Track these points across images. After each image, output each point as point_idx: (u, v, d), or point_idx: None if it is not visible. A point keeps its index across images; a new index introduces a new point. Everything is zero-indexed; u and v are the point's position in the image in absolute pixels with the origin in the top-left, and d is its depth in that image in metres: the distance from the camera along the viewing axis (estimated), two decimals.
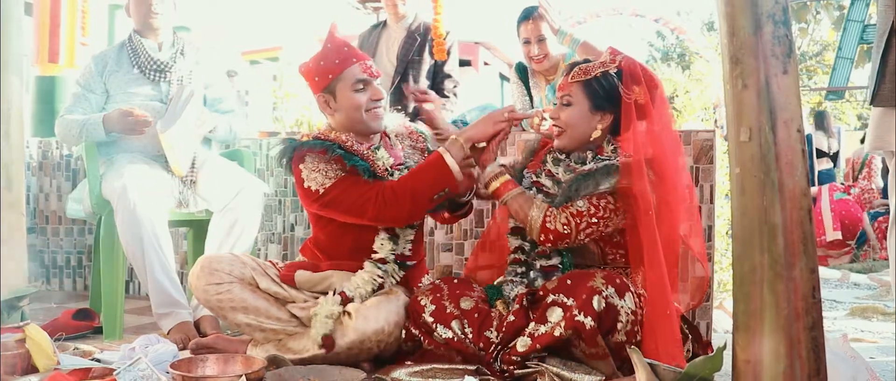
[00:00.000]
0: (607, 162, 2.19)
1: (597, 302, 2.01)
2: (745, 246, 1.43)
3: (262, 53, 9.54)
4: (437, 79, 3.79)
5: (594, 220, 2.15)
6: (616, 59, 2.25)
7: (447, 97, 3.77)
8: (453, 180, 2.23)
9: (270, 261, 2.45)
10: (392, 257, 2.37)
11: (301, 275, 2.37)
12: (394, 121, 2.59)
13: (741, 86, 1.40)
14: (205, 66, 3.20)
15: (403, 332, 2.26)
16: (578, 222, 2.15)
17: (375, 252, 2.36)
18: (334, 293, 2.29)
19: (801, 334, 1.38)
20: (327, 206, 2.29)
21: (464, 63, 11.68)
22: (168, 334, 2.78)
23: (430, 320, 2.22)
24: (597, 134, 2.27)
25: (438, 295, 2.27)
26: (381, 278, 2.35)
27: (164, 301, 2.80)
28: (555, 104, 3.36)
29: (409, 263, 2.42)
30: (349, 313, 2.24)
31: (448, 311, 2.22)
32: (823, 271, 5.68)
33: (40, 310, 3.42)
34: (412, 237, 2.43)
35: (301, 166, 2.30)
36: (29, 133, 4.28)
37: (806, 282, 1.39)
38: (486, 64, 13.08)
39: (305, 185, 2.29)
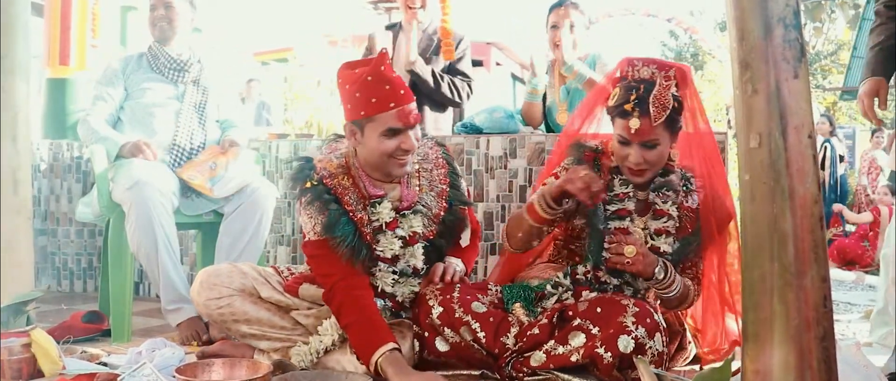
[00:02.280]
0: (706, 195, 2.24)
1: (624, 343, 1.97)
2: (754, 254, 1.40)
3: (272, 54, 9.55)
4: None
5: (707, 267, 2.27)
6: (669, 74, 2.15)
7: (461, 97, 3.75)
8: (368, 364, 2.10)
9: (273, 267, 2.44)
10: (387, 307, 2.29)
11: (305, 289, 2.33)
12: (424, 148, 2.39)
13: (751, 91, 1.37)
14: (216, 83, 3.27)
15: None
16: (705, 275, 2.27)
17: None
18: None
19: (812, 344, 1.35)
20: (306, 254, 2.28)
21: (476, 63, 11.61)
22: (178, 327, 2.83)
23: (438, 322, 2.17)
24: (674, 154, 2.27)
25: (448, 296, 2.19)
26: None
27: (175, 297, 2.84)
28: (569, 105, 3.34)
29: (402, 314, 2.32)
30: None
31: (457, 315, 2.15)
32: (838, 274, 5.63)
33: (50, 312, 3.43)
34: (416, 285, 2.31)
35: (302, 198, 2.22)
36: (40, 135, 4.30)
37: (817, 291, 1.36)
38: (498, 64, 13.05)
39: (299, 219, 2.28)
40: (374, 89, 2.12)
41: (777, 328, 1.36)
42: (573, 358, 2.02)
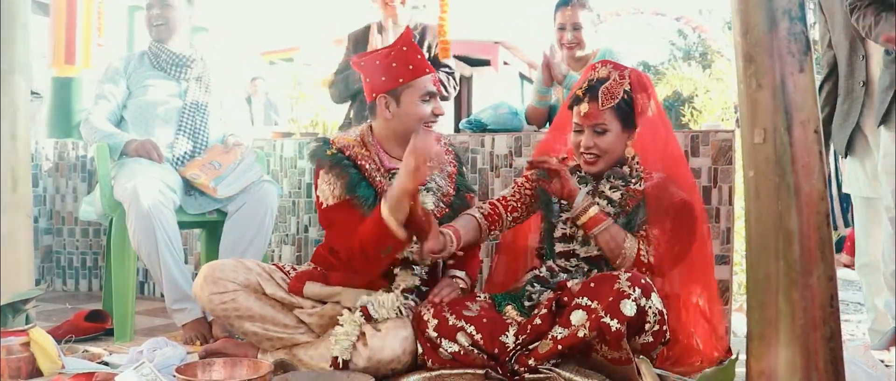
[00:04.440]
0: (658, 177, 2.25)
1: (628, 307, 1.97)
2: (759, 252, 1.37)
3: (278, 54, 9.56)
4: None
5: (666, 243, 2.20)
6: (624, 73, 2.27)
7: (447, 90, 3.70)
8: (392, 236, 2.07)
9: (276, 264, 2.40)
10: (412, 283, 2.31)
11: (310, 288, 2.31)
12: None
13: (755, 85, 1.34)
14: (218, 81, 3.26)
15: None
16: (660, 248, 2.20)
17: (399, 285, 2.29)
18: (355, 311, 2.22)
19: (819, 344, 1.32)
20: (323, 226, 2.31)
21: (483, 63, 11.62)
22: (183, 328, 2.82)
23: (434, 335, 2.16)
24: (629, 151, 2.32)
25: (440, 308, 2.21)
26: (400, 301, 2.26)
27: (179, 296, 2.84)
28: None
29: (424, 288, 2.36)
30: (363, 335, 2.18)
31: (451, 323, 2.16)
32: (849, 274, 5.56)
33: (54, 311, 3.44)
34: (429, 266, 2.37)
35: (321, 171, 2.29)
36: (45, 134, 4.30)
37: (823, 290, 1.33)
38: (505, 63, 13.00)
39: (317, 191, 2.29)
40: (410, 58, 2.27)
41: (782, 328, 1.33)
42: (580, 334, 2.01)
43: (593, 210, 2.22)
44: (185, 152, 3.04)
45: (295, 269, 2.42)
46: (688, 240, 2.23)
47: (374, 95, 2.30)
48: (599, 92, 2.24)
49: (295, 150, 3.70)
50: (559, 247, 2.33)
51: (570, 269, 2.31)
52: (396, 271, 2.31)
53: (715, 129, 3.19)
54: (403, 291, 2.28)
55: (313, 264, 2.45)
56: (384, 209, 2.07)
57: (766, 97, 1.34)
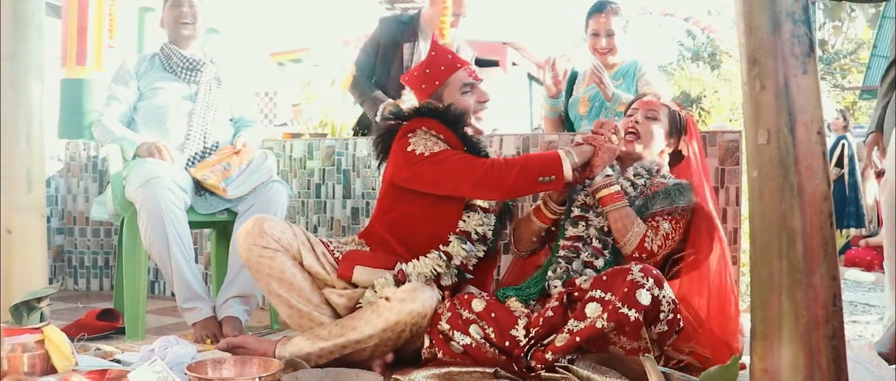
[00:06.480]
0: (683, 181, 2.40)
1: (644, 296, 2.01)
2: (763, 252, 1.39)
3: (287, 55, 9.59)
4: None
5: (670, 241, 2.31)
6: (682, 110, 2.57)
7: None
8: (561, 174, 2.24)
9: (322, 241, 2.42)
10: (459, 259, 2.38)
11: (360, 273, 2.33)
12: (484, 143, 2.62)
13: (759, 87, 1.36)
14: (230, 82, 3.29)
15: (426, 340, 2.23)
16: (664, 242, 2.29)
17: (447, 245, 2.38)
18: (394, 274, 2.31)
19: (822, 343, 1.33)
20: (436, 165, 2.30)
21: (491, 63, 11.64)
22: (193, 326, 2.85)
23: (447, 327, 2.20)
24: (664, 157, 2.52)
25: (452, 303, 2.26)
26: (442, 269, 2.35)
27: (190, 296, 2.86)
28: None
29: (467, 274, 2.43)
30: (387, 297, 2.24)
31: (464, 317, 2.20)
32: (857, 274, 5.56)
33: (66, 310, 3.47)
34: (482, 254, 2.45)
35: (410, 135, 2.35)
36: (57, 135, 4.34)
37: (826, 289, 1.35)
38: (513, 64, 13.02)
39: (409, 149, 2.32)
40: (440, 60, 2.48)
41: (786, 327, 1.35)
42: (599, 325, 2.02)
43: (614, 188, 2.33)
44: (196, 154, 3.07)
45: (338, 244, 2.44)
46: (701, 244, 2.37)
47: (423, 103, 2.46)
48: (662, 95, 2.58)
49: (304, 150, 3.73)
50: (575, 211, 2.43)
51: (578, 245, 2.39)
52: (453, 242, 2.39)
53: (722, 130, 3.20)
54: (445, 253, 2.38)
55: (361, 239, 2.49)
56: (563, 153, 2.25)
57: (769, 99, 1.36)
